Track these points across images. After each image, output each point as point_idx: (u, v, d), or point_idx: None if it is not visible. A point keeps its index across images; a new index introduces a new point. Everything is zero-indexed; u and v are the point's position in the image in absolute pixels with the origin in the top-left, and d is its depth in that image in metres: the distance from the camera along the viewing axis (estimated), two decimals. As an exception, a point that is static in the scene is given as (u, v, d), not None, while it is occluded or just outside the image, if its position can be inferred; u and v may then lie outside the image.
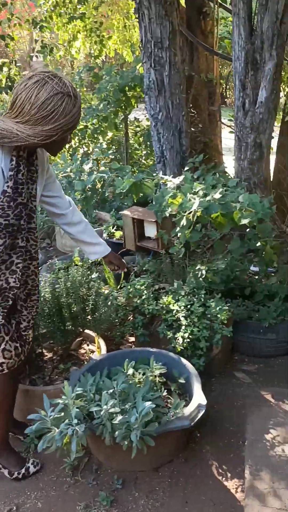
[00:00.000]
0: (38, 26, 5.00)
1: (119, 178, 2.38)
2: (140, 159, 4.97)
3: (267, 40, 3.12)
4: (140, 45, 3.71)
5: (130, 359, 2.32)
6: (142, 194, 2.43)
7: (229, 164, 4.46)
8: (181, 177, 2.46)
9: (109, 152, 4.76)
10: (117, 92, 4.03)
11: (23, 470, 2.08)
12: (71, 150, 5.35)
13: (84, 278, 2.42)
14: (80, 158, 2.63)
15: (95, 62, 7.19)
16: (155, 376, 2.24)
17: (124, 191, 2.31)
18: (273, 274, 3.15)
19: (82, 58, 9.38)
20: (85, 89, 5.14)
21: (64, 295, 2.33)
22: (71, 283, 2.38)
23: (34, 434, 1.92)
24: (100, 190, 2.42)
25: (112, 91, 4.01)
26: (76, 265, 3.57)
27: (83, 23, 6.39)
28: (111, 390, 1.94)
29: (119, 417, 1.81)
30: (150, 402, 1.82)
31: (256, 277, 3.19)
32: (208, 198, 2.27)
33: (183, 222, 2.05)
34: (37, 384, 2.42)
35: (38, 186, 1.89)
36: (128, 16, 7.47)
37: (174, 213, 2.09)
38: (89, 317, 2.45)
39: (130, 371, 2.24)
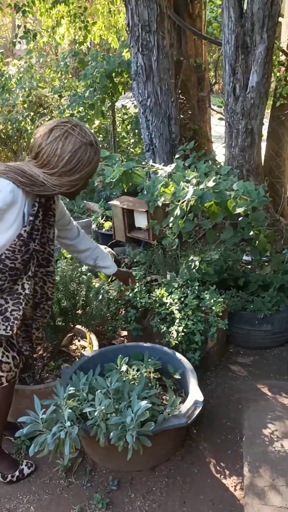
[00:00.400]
0: (21, 11, 4.80)
1: (109, 167, 2.27)
2: (128, 148, 4.85)
3: (257, 22, 3.01)
4: (127, 29, 3.58)
5: (123, 355, 2.24)
6: (131, 184, 2.33)
7: (218, 151, 4.38)
8: (173, 165, 2.37)
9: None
10: (103, 78, 3.90)
11: (17, 473, 2.00)
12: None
13: (75, 272, 2.33)
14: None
15: (80, 48, 7.01)
16: (150, 372, 2.17)
17: (114, 180, 2.20)
18: (266, 264, 3.09)
19: (66, 45, 9.17)
20: (70, 75, 4.99)
21: (54, 290, 2.24)
22: (60, 278, 2.29)
23: (25, 437, 1.83)
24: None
25: (98, 77, 3.88)
26: (65, 258, 3.48)
27: (66, 8, 6.21)
28: (104, 389, 1.86)
29: (114, 418, 1.74)
30: (146, 402, 1.74)
31: (249, 267, 3.12)
32: (201, 186, 2.18)
33: (177, 212, 1.96)
34: (27, 383, 2.33)
35: (55, 230, 1.90)
36: (113, 1, 7.29)
37: (167, 202, 2.00)
38: (79, 311, 2.36)
39: (124, 367, 2.16)
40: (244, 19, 3.08)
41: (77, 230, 2.14)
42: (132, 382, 2.08)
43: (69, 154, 1.59)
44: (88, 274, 2.63)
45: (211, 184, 2.21)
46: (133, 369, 2.17)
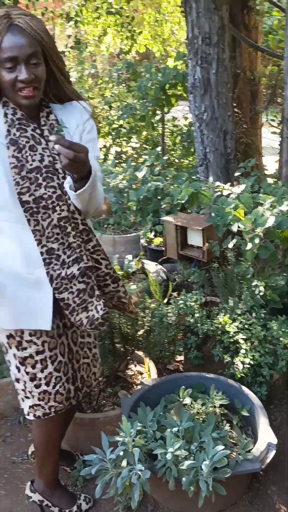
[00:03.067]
0: (73, 21, 4.78)
1: (176, 187, 2.17)
2: (176, 160, 4.75)
3: None
4: (186, 41, 3.49)
5: (185, 386, 2.13)
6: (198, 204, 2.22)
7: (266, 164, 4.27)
8: (242, 186, 2.25)
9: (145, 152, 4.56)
10: (158, 90, 3.81)
11: (74, 508, 1.90)
12: (103, 150, 5.17)
13: (139, 299, 2.23)
14: (134, 165, 2.44)
15: (124, 57, 6.98)
16: (215, 407, 2.04)
17: (183, 201, 2.10)
18: None
19: (106, 55, 9.17)
20: (121, 86, 4.94)
21: (117, 315, 2.14)
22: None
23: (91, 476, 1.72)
24: (153, 199, 2.21)
25: (153, 89, 3.80)
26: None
27: (114, 18, 6.19)
28: (175, 429, 1.74)
29: (187, 462, 1.62)
30: (222, 447, 1.61)
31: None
32: (275, 210, 2.05)
33: (256, 240, 1.84)
34: (84, 409, 2.24)
35: None
36: (160, 10, 7.24)
37: (245, 229, 1.88)
38: (140, 338, 2.25)
39: (187, 400, 2.04)
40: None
41: None
42: (197, 417, 1.96)
43: None
44: (143, 294, 2.53)
45: (284, 208, 2.08)
46: (197, 402, 2.05)
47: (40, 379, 1.63)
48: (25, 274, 1.55)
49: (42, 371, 1.63)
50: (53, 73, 1.52)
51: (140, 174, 2.34)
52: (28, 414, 1.70)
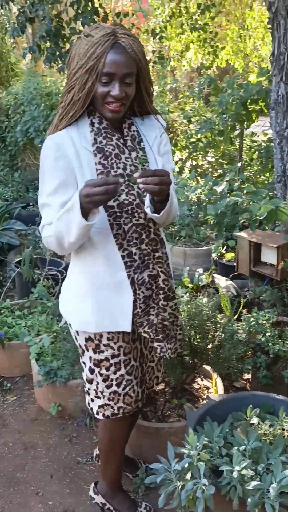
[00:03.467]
0: (158, 37, 4.91)
1: (255, 203, 2.16)
2: (253, 176, 4.70)
3: None
4: (271, 57, 3.47)
5: (252, 405, 2.09)
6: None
7: None
8: None
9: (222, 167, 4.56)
10: (239, 105, 3.81)
11: (134, 515, 1.92)
12: (179, 163, 5.22)
13: (210, 312, 2.23)
14: (213, 180, 2.45)
15: (205, 72, 7.03)
16: (283, 429, 1.99)
17: (262, 218, 2.08)
18: None
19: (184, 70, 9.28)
20: (201, 101, 4.99)
21: (188, 328, 2.16)
22: (194, 314, 2.20)
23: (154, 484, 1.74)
24: (231, 214, 2.21)
25: (234, 104, 3.80)
26: (186, 287, 3.41)
27: (197, 33, 6.27)
28: (242, 447, 1.72)
29: (253, 483, 1.59)
30: (291, 471, 1.57)
31: None
32: None
33: None
34: (149, 418, 2.26)
35: None
36: (244, 26, 7.25)
37: None
38: (210, 352, 2.25)
39: (255, 420, 2.00)
40: None
41: None
42: (264, 438, 1.92)
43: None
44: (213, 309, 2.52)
45: None
46: (265, 423, 2.00)
47: (112, 380, 1.69)
48: (107, 277, 1.61)
49: (115, 373, 1.69)
50: (141, 93, 1.62)
51: (219, 189, 2.35)
52: (97, 414, 1.76)
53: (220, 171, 5.05)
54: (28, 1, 4.25)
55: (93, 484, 2.01)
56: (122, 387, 1.70)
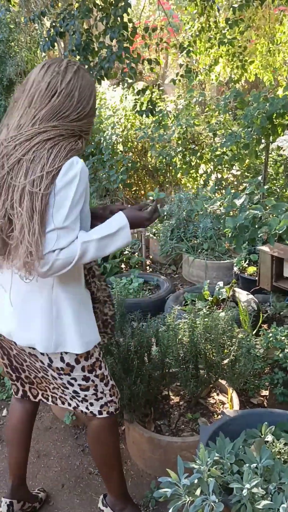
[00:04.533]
0: (185, 51, 4.94)
1: (275, 217, 2.13)
2: (279, 190, 4.66)
3: None
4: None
5: (268, 422, 2.04)
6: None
7: None
8: None
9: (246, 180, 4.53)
10: (264, 119, 3.79)
11: (142, 528, 1.90)
12: (204, 176, 5.22)
13: (226, 326, 2.20)
14: (233, 192, 2.44)
15: (234, 86, 7.03)
16: (299, 449, 1.94)
17: (282, 232, 2.06)
18: None
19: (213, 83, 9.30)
20: (227, 114, 4.98)
21: (203, 341, 2.13)
22: (210, 328, 2.18)
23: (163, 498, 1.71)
24: (250, 227, 2.19)
25: (260, 118, 3.78)
26: (206, 299, 3.38)
27: (226, 48, 6.28)
28: (254, 465, 1.68)
29: (264, 502, 1.55)
30: (303, 492, 1.53)
31: None
32: None
33: None
34: (162, 431, 2.24)
35: None
36: (274, 40, 7.22)
37: None
38: (225, 367, 2.21)
39: (269, 437, 1.96)
40: None
41: None
42: (278, 457, 1.87)
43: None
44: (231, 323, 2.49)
45: None
46: (280, 441, 1.96)
47: (106, 377, 1.77)
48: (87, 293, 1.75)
49: (106, 368, 1.78)
50: None
51: (238, 202, 2.34)
52: (100, 413, 1.78)
53: (245, 184, 5.02)
54: (59, 16, 4.34)
55: (102, 496, 1.99)
56: (112, 379, 1.81)
